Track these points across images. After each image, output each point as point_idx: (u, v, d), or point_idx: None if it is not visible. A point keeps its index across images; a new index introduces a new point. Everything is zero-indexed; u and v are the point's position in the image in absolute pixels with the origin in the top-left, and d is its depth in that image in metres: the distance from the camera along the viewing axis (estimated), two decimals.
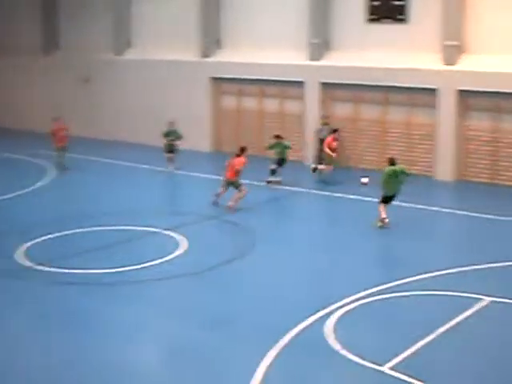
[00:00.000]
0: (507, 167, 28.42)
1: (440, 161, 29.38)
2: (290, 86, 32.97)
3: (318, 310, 15.88)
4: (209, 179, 29.20)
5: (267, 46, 33.36)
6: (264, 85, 33.78)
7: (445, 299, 16.79)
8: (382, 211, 22.35)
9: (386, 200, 22.54)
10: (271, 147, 28.91)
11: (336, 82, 31.65)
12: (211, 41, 35.40)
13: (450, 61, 28.99)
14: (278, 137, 29.01)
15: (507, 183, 28.32)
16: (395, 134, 30.67)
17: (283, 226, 23.65)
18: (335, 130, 29.67)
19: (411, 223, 23.07)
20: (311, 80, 32.21)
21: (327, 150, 28.68)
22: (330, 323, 15.29)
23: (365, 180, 26.24)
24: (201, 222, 23.23)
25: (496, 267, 18.95)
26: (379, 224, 22.33)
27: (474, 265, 18.97)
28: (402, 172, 22.39)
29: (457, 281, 17.96)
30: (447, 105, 29.06)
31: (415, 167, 29.87)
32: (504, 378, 13.29)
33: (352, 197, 26.35)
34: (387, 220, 22.28)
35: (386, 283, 17.59)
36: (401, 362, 13.57)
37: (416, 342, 14.39)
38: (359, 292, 17.00)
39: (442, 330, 14.99)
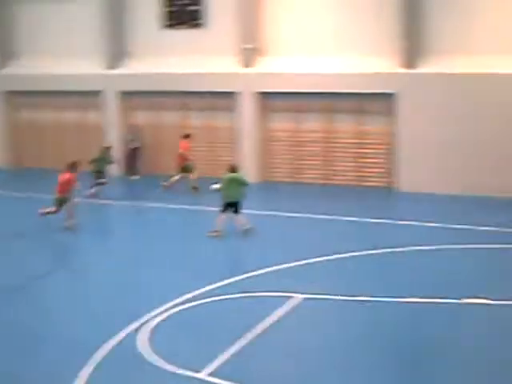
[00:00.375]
0: (309, 166, 28.95)
1: (245, 163, 29.48)
2: (89, 97, 32.14)
3: (131, 323, 15.32)
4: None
5: (63, 56, 32.34)
6: (61, 96, 32.73)
7: (258, 300, 16.69)
8: (219, 222, 21.77)
9: (226, 208, 21.89)
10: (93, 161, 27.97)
11: (135, 89, 31.18)
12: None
13: (248, 63, 29.22)
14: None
15: (310, 181, 28.85)
16: (197, 138, 30.49)
17: (108, 240, 22.93)
18: (187, 136, 28.91)
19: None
20: (110, 89, 31.57)
21: (184, 157, 28.18)
22: (143, 335, 14.78)
23: (216, 186, 25.86)
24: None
25: (304, 264, 19.10)
26: (212, 234, 21.74)
27: (282, 264, 19.04)
28: (242, 180, 21.93)
29: (267, 281, 17.94)
30: (248, 107, 29.29)
31: (221, 171, 29.93)
32: (318, 372, 13.26)
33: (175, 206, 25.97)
34: (219, 233, 21.75)
35: (199, 289, 17.26)
36: (218, 367, 13.27)
37: (232, 345, 14.15)
38: (172, 300, 16.57)
39: (257, 330, 14.84)
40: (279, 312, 15.81)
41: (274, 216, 24.36)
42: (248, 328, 14.90)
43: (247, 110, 29.39)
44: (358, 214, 24.08)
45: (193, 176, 27.98)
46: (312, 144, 29.11)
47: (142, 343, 14.38)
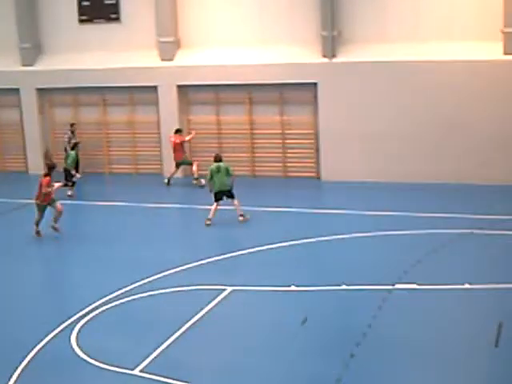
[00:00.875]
0: (233, 158, 28.75)
1: (168, 157, 29.22)
2: (5, 95, 31.36)
3: (62, 322, 15.03)
4: None
5: None
6: None
7: (189, 294, 16.60)
8: (212, 210, 22.25)
9: (217, 197, 22.39)
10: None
11: (53, 86, 30.53)
12: None
13: (167, 57, 28.92)
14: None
15: (235, 174, 28.68)
16: (118, 134, 30.09)
17: (40, 241, 22.18)
18: (178, 130, 28.02)
19: (143, 223, 22.74)
20: (26, 86, 30.85)
21: (180, 151, 27.69)
22: (75, 334, 14.51)
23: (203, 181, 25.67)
24: None
25: (235, 256, 19.08)
26: (207, 222, 22.20)
27: (213, 257, 18.97)
28: (227, 169, 22.49)
29: (198, 275, 17.83)
30: (168, 101, 29.00)
31: (142, 166, 29.72)
32: (252, 361, 13.23)
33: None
34: (209, 222, 22.12)
35: (129, 285, 17.08)
36: (152, 363, 13.17)
37: (165, 340, 14.04)
38: (102, 298, 16.35)
39: (189, 324, 14.77)
40: (210, 305, 15.75)
41: (201, 210, 24.16)
42: (180, 322, 14.83)
43: (168, 103, 29.07)
44: (284, 205, 24.06)
45: (194, 169, 27.66)
46: (235, 136, 28.95)
47: (74, 342, 14.12)
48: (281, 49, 27.69)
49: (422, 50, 26.02)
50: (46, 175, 21.84)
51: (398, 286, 16.36)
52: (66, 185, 25.82)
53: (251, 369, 12.93)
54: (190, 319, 14.97)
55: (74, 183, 26.86)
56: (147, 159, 29.96)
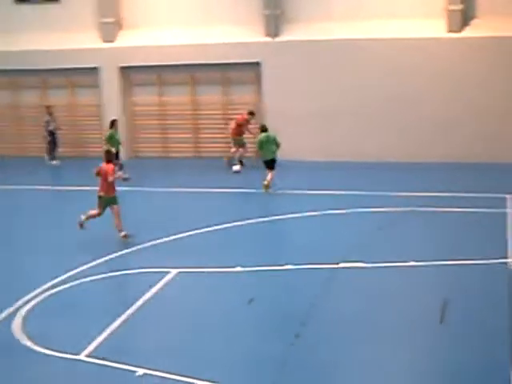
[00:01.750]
0: (177, 139, 28.69)
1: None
2: None
3: (4, 309, 14.77)
4: None
5: None
6: None
7: (134, 277, 16.48)
8: (270, 177, 23.00)
9: (267, 165, 23.15)
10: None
11: None
12: None
13: (108, 38, 28.59)
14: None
15: (179, 155, 28.60)
16: (59, 117, 29.48)
17: None
18: (251, 113, 26.72)
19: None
20: None
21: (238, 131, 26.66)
22: (18, 320, 14.27)
23: (236, 168, 25.40)
24: None
25: (179, 238, 18.93)
26: (264, 189, 22.99)
27: (157, 239, 18.81)
28: (274, 139, 23.19)
29: (142, 258, 17.66)
30: (111, 82, 28.72)
31: (87, 149, 29.33)
32: (199, 343, 13.16)
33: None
34: (266, 182, 22.97)
35: (74, 269, 16.83)
36: (98, 347, 13.00)
37: (111, 324, 13.88)
38: (47, 283, 16.10)
39: (135, 307, 14.63)
40: (156, 288, 15.63)
41: (145, 192, 24.00)
42: (125, 306, 14.70)
43: (110, 85, 28.77)
44: (229, 185, 24.00)
45: (243, 151, 26.74)
46: (179, 117, 28.79)
47: (17, 328, 13.90)
48: (223, 28, 27.55)
49: (366, 28, 26.11)
50: (108, 162, 18.90)
51: (342, 264, 16.42)
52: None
53: (198, 350, 12.86)
54: (135, 302, 14.82)
55: (121, 165, 25.12)
56: (90, 142, 29.60)
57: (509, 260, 16.13)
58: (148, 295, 15.22)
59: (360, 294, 14.97)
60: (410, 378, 11.72)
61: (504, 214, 19.44)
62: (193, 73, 28.29)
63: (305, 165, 25.99)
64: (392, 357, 12.35)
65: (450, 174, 24.12)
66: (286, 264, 16.59)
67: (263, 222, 19.81)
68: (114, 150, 23.33)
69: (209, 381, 11.67)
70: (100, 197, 18.83)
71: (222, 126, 28.13)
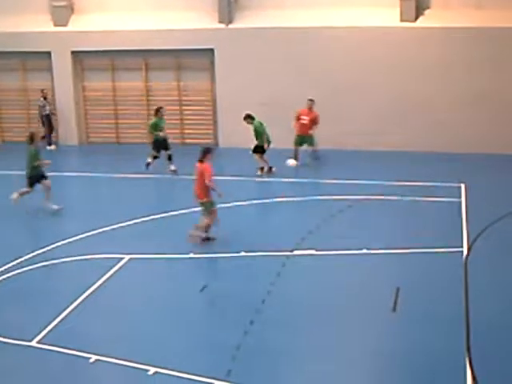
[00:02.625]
0: (130, 125, 28.51)
1: (62, 126, 28.68)
2: None
3: None
4: None
5: None
6: None
7: (86, 263, 16.29)
8: (259, 161, 23.50)
9: (259, 150, 23.52)
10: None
11: None
12: None
13: (60, 22, 28.22)
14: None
15: (131, 141, 28.41)
16: (10, 101, 29.31)
17: None
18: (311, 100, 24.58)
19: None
20: None
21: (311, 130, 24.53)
22: None
23: (292, 162, 24.61)
24: None
25: (133, 224, 18.84)
26: (259, 173, 23.41)
27: (111, 225, 18.68)
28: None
29: (94, 244, 17.48)
30: (62, 67, 28.36)
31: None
32: (151, 330, 13.11)
33: None
34: (265, 168, 23.54)
35: (23, 256, 16.63)
36: (50, 334, 12.90)
37: (63, 310, 13.77)
38: None
39: (87, 294, 14.53)
40: (108, 274, 15.55)
41: (98, 178, 23.82)
42: (78, 292, 14.59)
43: (62, 69, 28.40)
44: (181, 172, 23.87)
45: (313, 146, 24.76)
46: (131, 103, 28.59)
47: None
48: (177, 14, 27.36)
49: (319, 16, 26.15)
50: (201, 161, 17.08)
51: (296, 252, 16.46)
52: (155, 157, 24.29)
53: (151, 337, 12.80)
54: (87, 289, 14.71)
55: (170, 156, 24.21)
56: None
57: (463, 249, 16.31)
58: (100, 281, 15.12)
59: (314, 281, 15.01)
60: (362, 364, 11.79)
61: (459, 203, 19.61)
62: (146, 58, 28.08)
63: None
64: (344, 344, 12.43)
65: (405, 162, 24.27)
66: (241, 251, 16.60)
67: (218, 208, 19.73)
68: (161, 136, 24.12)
69: (162, 367, 11.65)
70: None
71: (177, 111, 28.00)
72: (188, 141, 28.21)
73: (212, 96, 27.77)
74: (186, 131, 28.30)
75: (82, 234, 18.07)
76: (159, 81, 28.31)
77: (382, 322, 13.30)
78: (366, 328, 12.98)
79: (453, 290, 14.31)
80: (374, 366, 11.81)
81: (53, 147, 28.15)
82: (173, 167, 23.85)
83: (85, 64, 28.71)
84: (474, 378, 11.12)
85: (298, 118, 24.51)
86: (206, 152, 17.03)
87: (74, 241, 17.70)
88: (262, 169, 23.40)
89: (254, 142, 23.41)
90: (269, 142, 23.39)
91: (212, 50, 27.15)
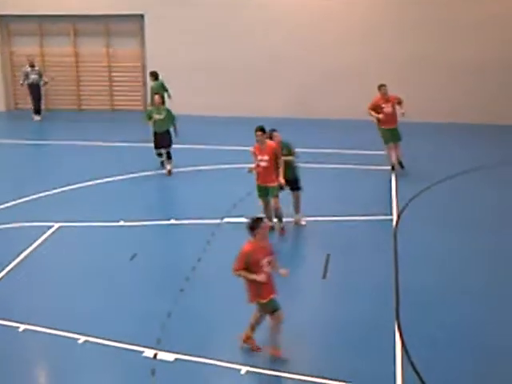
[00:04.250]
0: (59, 91, 28.12)
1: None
2: None
3: None
4: None
5: None
6: None
7: (14, 232, 16.06)
8: None
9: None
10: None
11: None
12: None
13: None
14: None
15: (61, 107, 28.04)
16: None
17: None
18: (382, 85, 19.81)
19: None
20: None
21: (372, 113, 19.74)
22: None
23: None
24: None
25: (62, 192, 18.63)
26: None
27: (40, 192, 18.43)
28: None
29: (22, 212, 17.23)
30: None
31: None
32: (81, 299, 13.03)
33: None
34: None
35: None
36: None
37: None
38: None
39: (15, 263, 14.35)
40: (37, 242, 15.40)
41: (27, 145, 23.41)
42: (5, 261, 14.39)
43: None
44: (111, 139, 23.63)
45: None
46: (60, 69, 28.09)
47: None
48: None
49: None
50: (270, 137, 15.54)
51: (226, 219, 16.45)
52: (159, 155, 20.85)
53: (80, 306, 12.70)
54: (15, 258, 14.52)
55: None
56: None
57: (393, 216, 16.48)
58: (29, 250, 14.95)
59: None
60: (291, 331, 11.83)
61: (388, 171, 19.74)
62: (74, 23, 27.60)
63: (191, 119, 25.79)
64: None
65: (337, 130, 24.34)
66: (171, 219, 16.52)
67: (149, 176, 19.59)
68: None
69: (92, 336, 11.58)
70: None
71: (107, 77, 27.70)
72: (118, 107, 27.90)
73: (142, 62, 27.47)
74: (116, 97, 27.96)
75: (9, 202, 17.78)
76: (88, 47, 27.86)
77: (312, 288, 13.41)
78: (296, 295, 13.04)
79: (383, 257, 14.49)
80: (304, 333, 11.89)
81: (37, 118, 27.16)
82: (168, 166, 20.22)
83: (12, 29, 28.11)
84: (402, 343, 11.30)
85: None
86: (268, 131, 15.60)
87: (3, 209, 17.41)
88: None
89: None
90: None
91: (142, 16, 26.80)
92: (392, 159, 19.77)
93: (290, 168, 15.71)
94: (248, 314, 11.68)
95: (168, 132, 19.81)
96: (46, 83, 27.11)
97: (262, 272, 10.78)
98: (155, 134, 19.88)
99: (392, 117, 19.63)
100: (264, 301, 10.94)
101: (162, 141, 19.86)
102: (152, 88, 23.76)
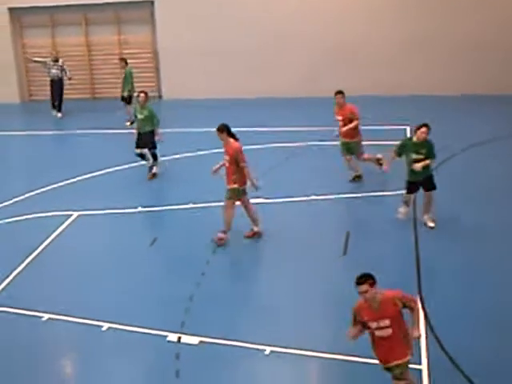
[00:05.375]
0: (72, 81, 28.03)
1: (2, 82, 28.13)
2: None
3: None
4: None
5: None
6: None
7: (34, 222, 16.09)
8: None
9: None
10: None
11: None
12: None
13: None
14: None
15: (75, 96, 28.01)
16: None
17: None
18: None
19: None
20: None
21: None
22: None
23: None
24: None
25: (74, 182, 18.62)
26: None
27: (54, 184, 18.43)
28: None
29: (41, 202, 17.27)
30: (0, 24, 27.76)
31: None
32: (104, 286, 13.07)
33: None
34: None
35: None
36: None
37: (13, 270, 13.63)
38: None
39: (36, 253, 14.41)
40: (57, 232, 15.43)
41: (41, 136, 23.48)
42: (27, 251, 14.44)
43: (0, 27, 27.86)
44: (124, 126, 23.64)
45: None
46: (73, 58, 28.06)
47: None
48: None
49: None
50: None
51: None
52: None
53: (103, 294, 12.75)
54: (37, 248, 14.57)
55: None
56: None
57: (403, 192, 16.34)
58: (49, 239, 14.99)
59: (264, 228, 14.90)
60: (313, 309, 11.86)
61: None
62: (85, 13, 27.60)
63: (200, 103, 25.77)
64: (296, 289, 12.51)
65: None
66: (190, 203, 16.52)
67: (164, 161, 19.56)
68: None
69: (115, 323, 11.63)
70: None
71: (118, 65, 27.66)
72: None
73: (153, 49, 27.43)
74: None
75: (27, 193, 17.85)
76: (100, 35, 27.85)
77: (332, 265, 13.38)
78: (316, 273, 13.05)
79: (402, 232, 14.45)
80: (326, 310, 11.90)
81: (58, 114, 26.40)
82: (154, 169, 19.07)
83: (23, 21, 28.15)
84: (425, 315, 11.29)
85: None
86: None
87: (20, 200, 17.47)
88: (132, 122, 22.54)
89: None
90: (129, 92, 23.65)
91: (152, 2, 26.75)
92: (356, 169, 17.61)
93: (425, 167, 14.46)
94: (268, 295, 11.68)
95: (152, 132, 18.86)
96: (69, 79, 26.13)
97: None
98: (138, 133, 19.03)
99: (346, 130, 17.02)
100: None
101: (142, 141, 18.75)
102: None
